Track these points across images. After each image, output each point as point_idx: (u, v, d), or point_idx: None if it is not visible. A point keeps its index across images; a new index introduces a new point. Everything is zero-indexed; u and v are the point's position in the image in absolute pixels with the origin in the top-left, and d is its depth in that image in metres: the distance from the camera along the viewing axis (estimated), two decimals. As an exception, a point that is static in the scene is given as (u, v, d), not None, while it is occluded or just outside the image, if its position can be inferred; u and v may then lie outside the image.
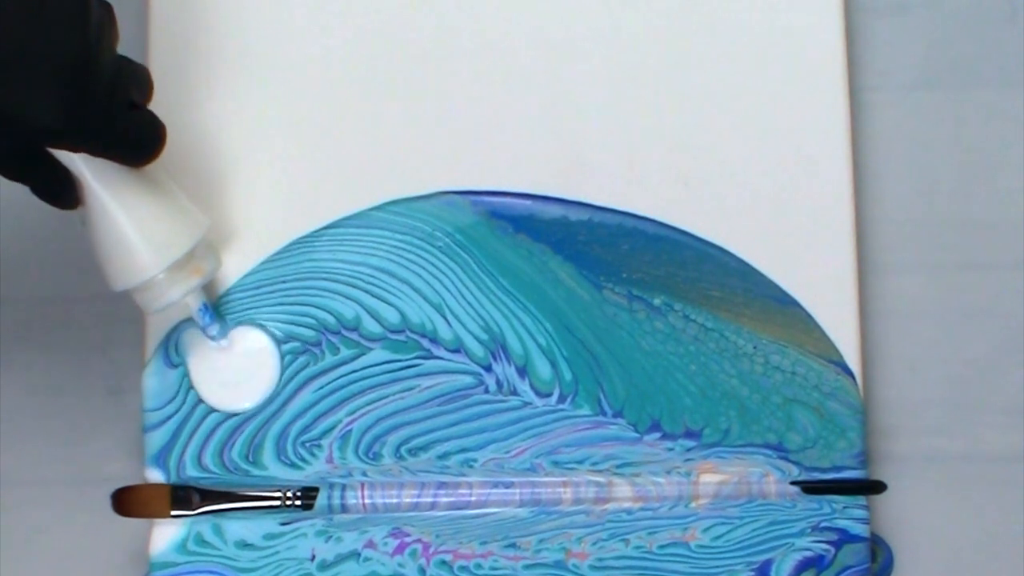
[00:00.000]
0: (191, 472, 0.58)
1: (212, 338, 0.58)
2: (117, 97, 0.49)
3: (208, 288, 0.57)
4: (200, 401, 0.59)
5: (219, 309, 0.59)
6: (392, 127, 0.60)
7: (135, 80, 0.50)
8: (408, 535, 0.58)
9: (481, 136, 0.59)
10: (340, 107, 0.60)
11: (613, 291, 0.59)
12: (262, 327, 0.59)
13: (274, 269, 0.59)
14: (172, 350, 0.59)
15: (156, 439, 0.59)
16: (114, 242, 0.53)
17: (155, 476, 0.59)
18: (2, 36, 0.45)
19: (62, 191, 0.51)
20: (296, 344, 0.59)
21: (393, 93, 0.60)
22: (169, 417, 0.59)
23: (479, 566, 0.58)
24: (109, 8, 0.49)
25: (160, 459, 0.58)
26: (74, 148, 0.49)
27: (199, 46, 0.60)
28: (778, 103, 0.59)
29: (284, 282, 0.59)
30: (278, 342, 0.59)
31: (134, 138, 0.50)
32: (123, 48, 0.63)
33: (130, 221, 0.52)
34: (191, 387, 0.59)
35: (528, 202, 0.59)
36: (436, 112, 0.59)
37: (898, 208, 0.62)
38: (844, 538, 0.58)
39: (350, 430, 0.59)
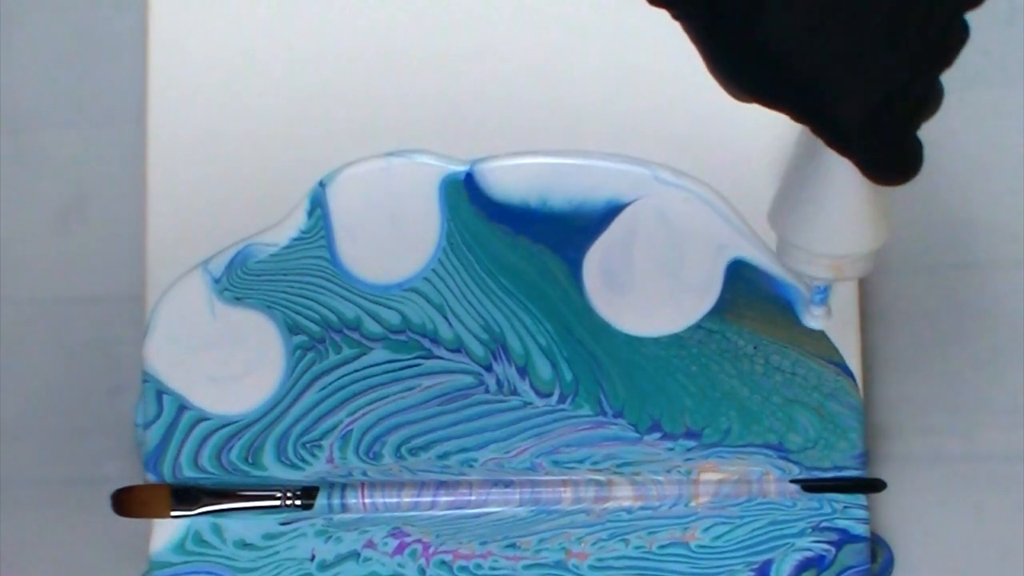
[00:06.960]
0: (188, 473, 0.58)
1: (813, 314, 0.57)
2: (908, 126, 0.46)
3: None
4: (184, 407, 0.58)
5: None
6: (392, 128, 0.60)
7: (929, 111, 0.47)
8: (408, 535, 0.58)
9: (482, 136, 0.59)
10: (338, 107, 0.60)
11: (613, 291, 0.59)
12: (267, 312, 0.59)
13: (277, 263, 0.59)
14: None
15: (150, 440, 0.59)
16: (810, 209, 0.50)
17: (152, 477, 0.59)
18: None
19: None
20: (304, 338, 0.59)
21: (392, 94, 0.60)
22: (155, 419, 0.59)
23: (479, 566, 0.58)
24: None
25: (154, 460, 0.58)
26: (845, 154, 0.47)
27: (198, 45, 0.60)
28: (778, 103, 0.59)
29: (286, 275, 0.59)
30: (288, 331, 0.59)
31: (900, 164, 0.47)
32: (123, 45, 0.63)
33: (836, 205, 0.50)
34: (164, 391, 0.58)
35: (528, 203, 0.59)
36: (436, 112, 0.60)
37: (898, 208, 0.62)
38: (844, 538, 0.58)
39: (351, 430, 0.59)
